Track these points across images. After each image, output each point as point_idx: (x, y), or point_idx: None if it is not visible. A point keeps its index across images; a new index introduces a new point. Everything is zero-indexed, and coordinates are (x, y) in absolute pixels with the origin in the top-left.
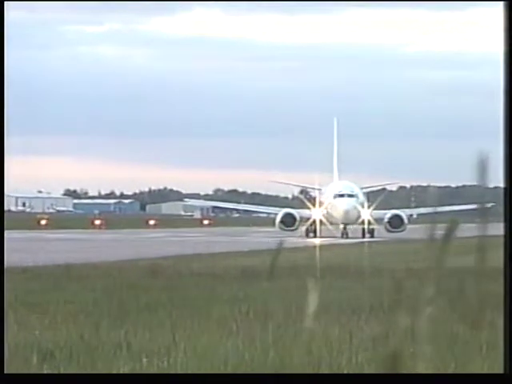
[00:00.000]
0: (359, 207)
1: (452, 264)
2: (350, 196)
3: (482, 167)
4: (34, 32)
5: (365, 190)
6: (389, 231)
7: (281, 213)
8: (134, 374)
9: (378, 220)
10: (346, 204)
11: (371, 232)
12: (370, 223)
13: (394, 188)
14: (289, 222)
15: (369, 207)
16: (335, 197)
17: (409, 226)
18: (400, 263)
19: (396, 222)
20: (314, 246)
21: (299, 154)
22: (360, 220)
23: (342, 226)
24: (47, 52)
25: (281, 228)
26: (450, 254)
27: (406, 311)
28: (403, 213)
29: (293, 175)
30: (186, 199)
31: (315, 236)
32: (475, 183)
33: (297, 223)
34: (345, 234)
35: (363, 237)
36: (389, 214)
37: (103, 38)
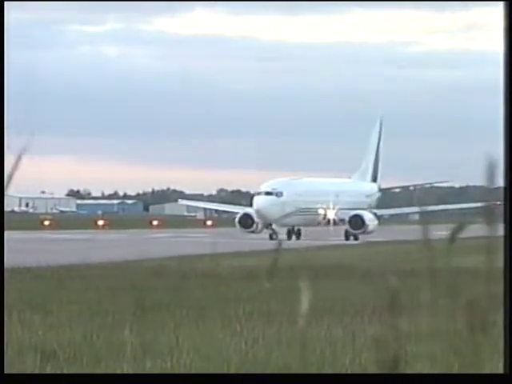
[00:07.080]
0: (281, 206)
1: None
2: (268, 194)
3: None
4: (34, 32)
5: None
6: (347, 233)
7: (239, 213)
8: (137, 374)
9: (344, 220)
10: (258, 202)
11: (355, 236)
12: (335, 223)
13: (397, 189)
14: (247, 223)
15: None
16: (255, 195)
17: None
18: None
19: (356, 223)
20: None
21: (301, 154)
22: (283, 220)
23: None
24: (48, 52)
25: (240, 230)
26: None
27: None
28: (365, 213)
29: (299, 175)
30: (179, 199)
31: (298, 238)
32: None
33: (255, 224)
34: (274, 235)
35: (346, 239)
36: (351, 213)
37: (104, 37)
